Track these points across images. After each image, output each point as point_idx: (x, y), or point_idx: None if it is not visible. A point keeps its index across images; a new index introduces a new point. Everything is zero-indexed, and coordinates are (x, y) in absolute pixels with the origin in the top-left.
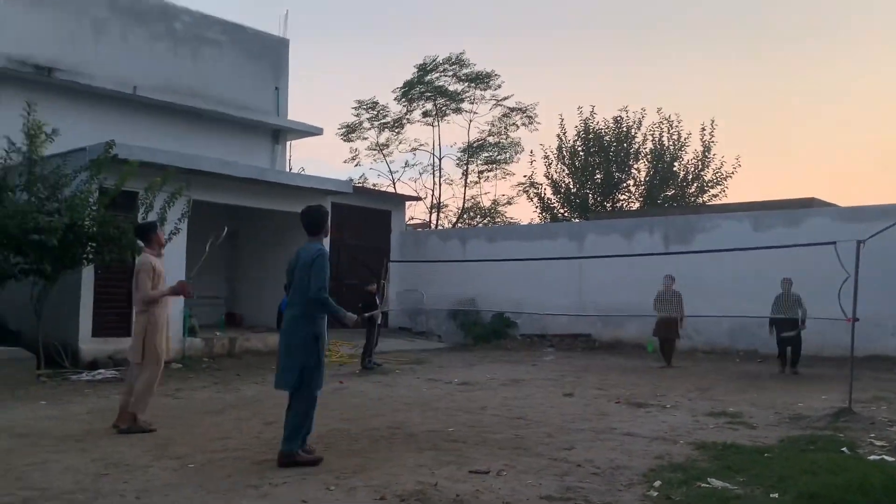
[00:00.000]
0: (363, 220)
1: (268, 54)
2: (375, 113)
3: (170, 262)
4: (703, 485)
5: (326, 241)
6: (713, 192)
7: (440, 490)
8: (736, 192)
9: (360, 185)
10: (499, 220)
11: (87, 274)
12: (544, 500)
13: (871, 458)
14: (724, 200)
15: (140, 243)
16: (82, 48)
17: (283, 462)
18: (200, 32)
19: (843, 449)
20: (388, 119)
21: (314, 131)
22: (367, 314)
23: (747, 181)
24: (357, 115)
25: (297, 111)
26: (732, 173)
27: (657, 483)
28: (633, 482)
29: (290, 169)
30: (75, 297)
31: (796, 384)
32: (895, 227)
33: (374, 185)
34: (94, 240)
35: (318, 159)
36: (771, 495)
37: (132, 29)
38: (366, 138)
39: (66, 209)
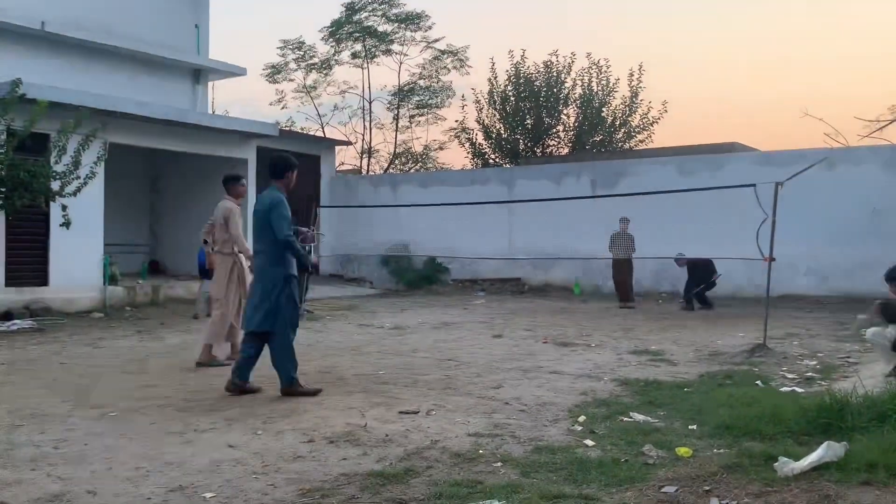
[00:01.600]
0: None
1: None
2: (302, 53)
3: (87, 207)
4: (625, 419)
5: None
6: (640, 137)
7: (369, 431)
8: (662, 137)
9: (287, 128)
10: (431, 165)
11: None
12: (472, 437)
13: (783, 389)
14: (651, 145)
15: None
16: None
17: (285, 394)
18: None
19: (758, 382)
20: (316, 60)
21: (237, 72)
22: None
23: (673, 126)
24: (283, 56)
25: (220, 51)
26: (659, 118)
27: (582, 418)
28: (559, 418)
29: (213, 111)
30: None
31: (715, 323)
32: (811, 171)
33: (301, 128)
34: (2, 185)
35: (243, 102)
36: (689, 427)
37: None
38: (292, 80)
39: None
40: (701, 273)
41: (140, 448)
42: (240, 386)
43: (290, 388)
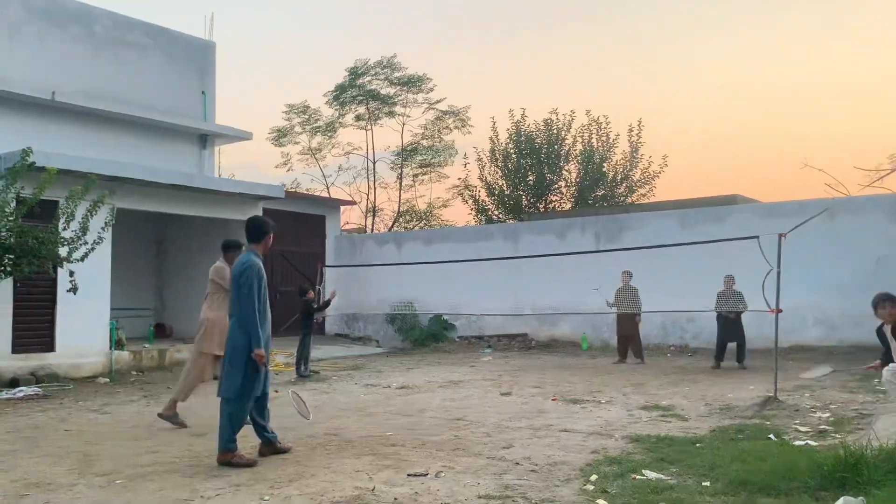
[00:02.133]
0: (297, 225)
1: (193, 58)
2: (307, 117)
3: (94, 272)
4: (637, 477)
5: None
6: (641, 191)
7: (378, 495)
8: (663, 190)
9: (292, 190)
10: (434, 223)
11: (5, 287)
12: (483, 499)
13: (797, 443)
14: (653, 199)
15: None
16: None
17: (220, 461)
18: (122, 35)
19: (770, 436)
20: (321, 123)
21: (243, 136)
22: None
23: (674, 180)
24: (288, 120)
25: (226, 116)
26: (660, 173)
27: (593, 477)
28: (571, 477)
29: (219, 175)
30: None
31: (725, 377)
32: (813, 222)
33: (307, 189)
34: (11, 251)
35: (249, 165)
36: (703, 484)
37: (49, 31)
38: (297, 143)
39: None
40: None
41: None
42: (269, 447)
43: (225, 455)
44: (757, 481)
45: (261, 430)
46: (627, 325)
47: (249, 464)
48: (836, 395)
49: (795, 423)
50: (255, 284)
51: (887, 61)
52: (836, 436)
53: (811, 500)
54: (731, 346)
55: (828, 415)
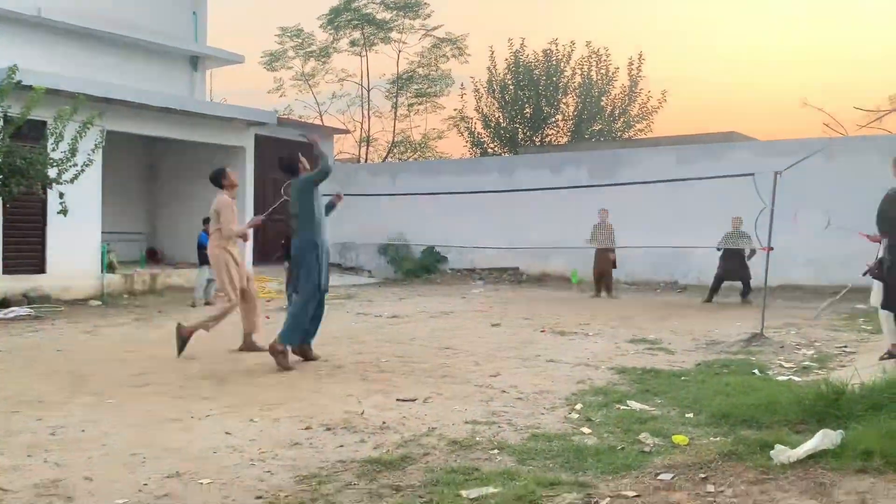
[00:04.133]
0: (289, 153)
1: None
2: (300, 41)
3: (84, 195)
4: (622, 407)
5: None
6: (639, 126)
7: (367, 418)
8: (661, 126)
9: (285, 116)
10: (429, 154)
11: None
12: (469, 424)
13: (780, 378)
14: (650, 135)
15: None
16: None
17: (270, 349)
18: None
19: (755, 371)
20: (314, 48)
21: (235, 59)
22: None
23: (672, 116)
24: (281, 44)
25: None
26: (658, 108)
27: (578, 406)
28: (556, 405)
29: (211, 99)
30: None
31: (714, 313)
32: (809, 161)
33: (300, 116)
34: None
35: (241, 90)
36: (686, 415)
37: None
38: (290, 67)
39: None
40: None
41: (137, 435)
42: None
43: (275, 349)
44: (739, 414)
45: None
46: (604, 262)
47: (286, 368)
48: (820, 333)
49: (780, 360)
50: (317, 193)
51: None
52: (819, 372)
53: (791, 433)
54: (726, 284)
55: (812, 352)
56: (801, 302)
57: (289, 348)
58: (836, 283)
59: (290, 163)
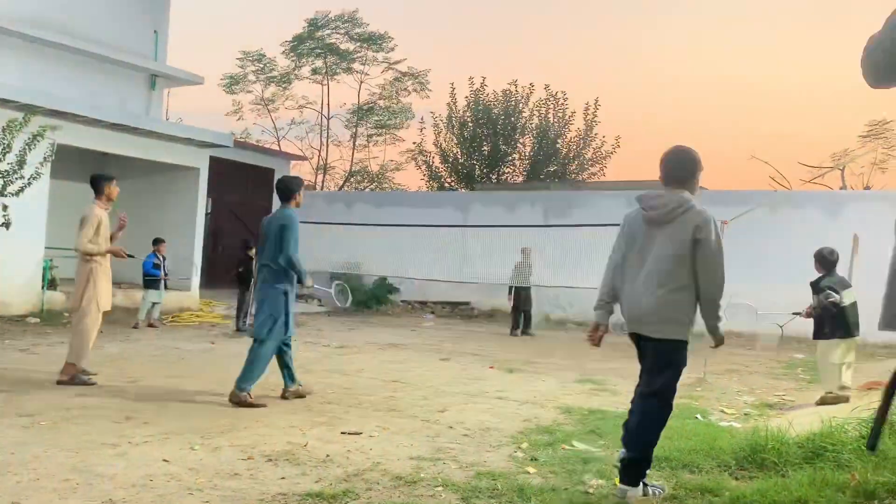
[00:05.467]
0: (245, 177)
1: None
2: (262, 66)
3: (29, 208)
4: (567, 447)
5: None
6: (593, 170)
7: (310, 450)
8: (614, 171)
9: (242, 140)
10: (386, 185)
11: None
12: (414, 460)
13: (722, 424)
14: (603, 178)
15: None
16: None
17: (233, 400)
18: None
19: (697, 416)
20: (275, 73)
21: (195, 80)
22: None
23: (626, 161)
24: (242, 67)
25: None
26: (612, 153)
27: (524, 445)
28: (502, 443)
29: (168, 118)
30: None
31: None
32: (755, 212)
33: (257, 140)
34: None
35: (199, 111)
36: None
37: None
38: (250, 92)
39: None
40: None
41: (70, 459)
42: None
43: (241, 395)
44: (681, 458)
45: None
46: (527, 299)
47: (259, 405)
48: (761, 381)
49: (722, 405)
50: (297, 233)
51: (833, 64)
52: (759, 418)
53: (731, 478)
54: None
55: (752, 399)
56: (743, 349)
57: (249, 392)
58: (775, 332)
59: (288, 185)
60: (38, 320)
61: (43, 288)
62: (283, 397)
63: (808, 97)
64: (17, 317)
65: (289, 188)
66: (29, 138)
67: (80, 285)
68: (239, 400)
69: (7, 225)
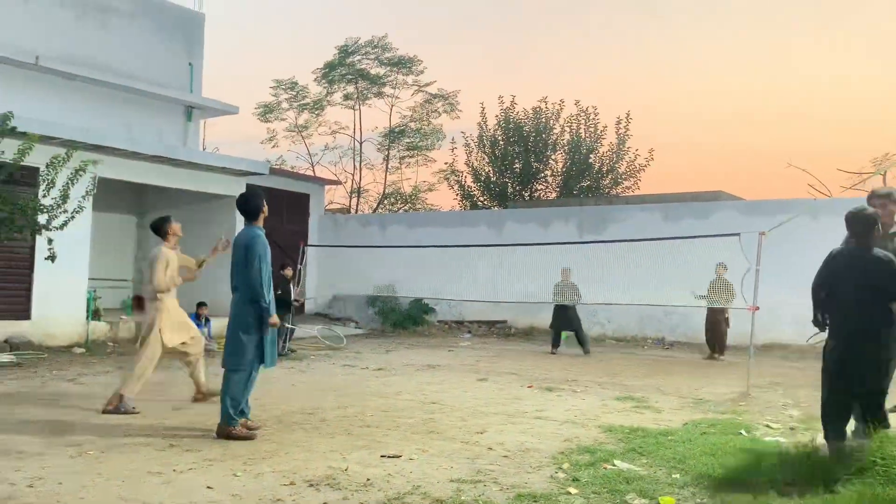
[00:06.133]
0: (281, 203)
1: (182, 28)
2: (295, 93)
3: (73, 241)
4: (609, 466)
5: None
6: (626, 183)
7: (350, 475)
8: (649, 184)
9: (277, 166)
10: (419, 206)
11: None
12: (454, 482)
13: (767, 439)
14: (637, 192)
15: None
16: None
17: (219, 433)
18: (109, 2)
19: (742, 431)
20: (308, 101)
21: (230, 110)
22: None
23: (660, 174)
24: (275, 95)
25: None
26: (645, 166)
27: (565, 465)
28: (542, 464)
29: (205, 148)
30: None
31: (700, 370)
32: (794, 220)
33: (292, 167)
34: None
35: (234, 140)
36: (673, 476)
37: None
38: (284, 119)
39: None
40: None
41: (117, 488)
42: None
43: (226, 429)
44: (725, 475)
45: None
46: (572, 319)
47: (248, 437)
48: (807, 393)
49: (767, 419)
50: (263, 255)
51: (873, 66)
52: (805, 433)
53: (777, 495)
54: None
55: (799, 412)
56: (788, 361)
57: (238, 425)
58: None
59: (249, 201)
60: (83, 350)
61: (87, 319)
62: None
63: (846, 103)
64: (63, 347)
65: (252, 206)
66: (71, 173)
67: (148, 323)
68: (226, 434)
69: (53, 258)
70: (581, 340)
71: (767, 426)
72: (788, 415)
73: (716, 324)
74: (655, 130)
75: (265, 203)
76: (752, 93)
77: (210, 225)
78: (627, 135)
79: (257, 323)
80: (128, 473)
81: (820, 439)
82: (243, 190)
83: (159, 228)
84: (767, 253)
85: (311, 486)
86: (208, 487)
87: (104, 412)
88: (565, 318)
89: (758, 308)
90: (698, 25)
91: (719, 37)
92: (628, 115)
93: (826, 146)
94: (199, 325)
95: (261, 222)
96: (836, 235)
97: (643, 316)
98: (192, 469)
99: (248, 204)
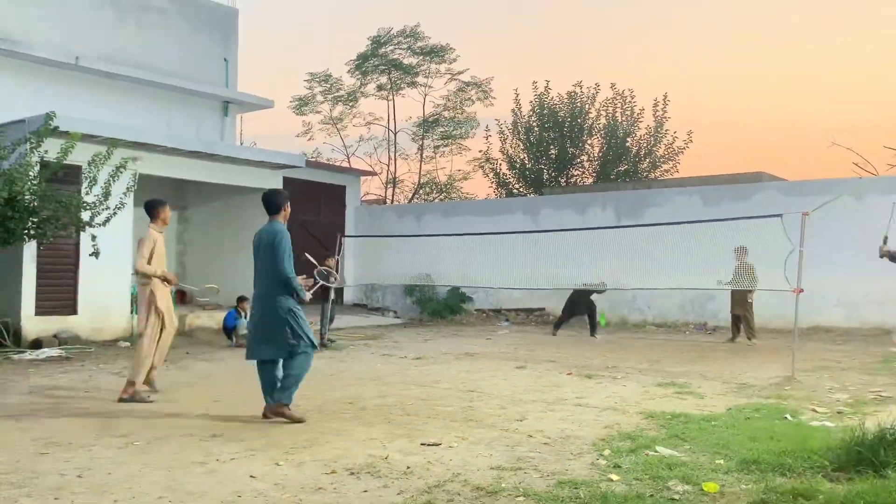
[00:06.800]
0: (317, 194)
1: (216, 24)
2: (329, 86)
3: (115, 237)
4: (650, 453)
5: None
6: (665, 167)
7: (391, 463)
8: (688, 166)
9: (313, 159)
10: (455, 195)
11: (30, 250)
12: (495, 470)
13: (813, 423)
14: (676, 175)
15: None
16: (20, 15)
17: (271, 411)
18: (145, 1)
19: (787, 416)
20: (342, 92)
21: (265, 104)
22: (318, 285)
23: (699, 155)
24: (310, 88)
25: (248, 83)
26: (684, 149)
27: (606, 452)
28: (583, 451)
29: (241, 143)
30: (17, 274)
31: (743, 355)
32: (838, 201)
33: (328, 159)
34: (35, 215)
35: (270, 133)
36: (716, 461)
37: None
38: (319, 112)
39: (5, 182)
40: None
41: (163, 478)
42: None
43: (280, 407)
44: (771, 461)
45: (272, 390)
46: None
47: (300, 420)
48: (855, 377)
49: (813, 404)
50: (288, 246)
51: None
52: (853, 417)
53: (825, 480)
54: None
55: (846, 396)
56: (834, 344)
57: (288, 405)
58: (871, 325)
59: (274, 199)
60: (128, 344)
61: (132, 313)
62: (265, 416)
63: (890, 78)
64: (110, 341)
65: (275, 202)
66: (112, 170)
67: (142, 308)
68: (280, 412)
69: (97, 254)
70: (592, 325)
71: (814, 410)
72: (836, 399)
73: (742, 309)
74: (694, 112)
75: (288, 203)
76: (793, 69)
77: (248, 217)
78: (665, 117)
79: (289, 312)
80: (173, 463)
81: (868, 423)
82: (279, 181)
83: (152, 209)
84: (811, 234)
85: (352, 474)
86: (251, 477)
87: (119, 401)
88: (580, 303)
89: (802, 290)
90: (734, 3)
91: (756, 11)
92: (665, 96)
93: (871, 121)
94: (237, 320)
95: (282, 219)
96: (880, 214)
97: (684, 301)
98: (235, 459)
99: (270, 200)
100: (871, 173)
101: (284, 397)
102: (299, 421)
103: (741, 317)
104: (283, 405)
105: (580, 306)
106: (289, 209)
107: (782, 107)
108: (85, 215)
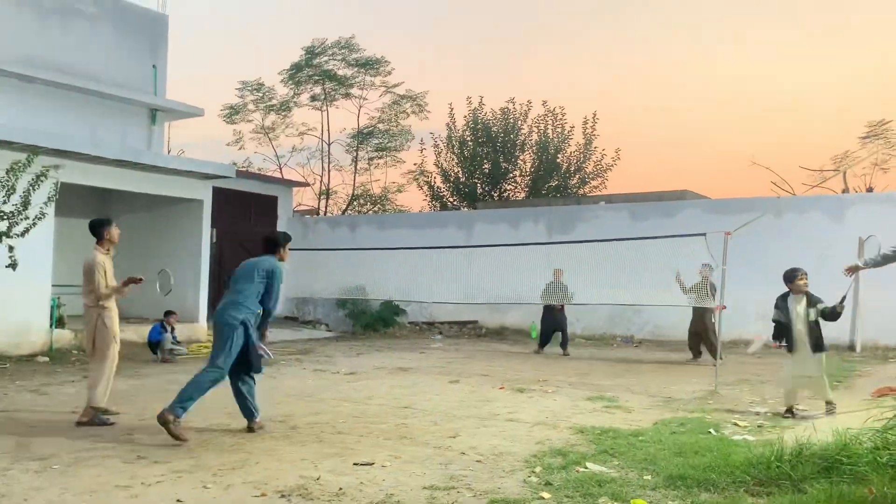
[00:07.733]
0: (248, 205)
1: (145, 29)
2: (261, 95)
3: (35, 249)
4: (581, 469)
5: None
6: (594, 183)
7: (322, 484)
8: (616, 183)
9: (244, 169)
10: (389, 207)
11: None
12: (427, 489)
13: (735, 437)
14: (605, 191)
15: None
16: None
17: (161, 418)
18: (69, 3)
19: (710, 430)
20: (275, 102)
21: (195, 112)
22: None
23: (627, 174)
24: (241, 97)
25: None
26: (612, 166)
27: (538, 469)
28: (515, 468)
29: (169, 151)
30: None
31: (668, 370)
32: (757, 220)
33: (259, 169)
34: None
35: (200, 142)
36: (644, 477)
37: None
38: (251, 121)
39: None
40: None
41: (84, 503)
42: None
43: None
44: (696, 476)
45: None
46: (560, 319)
47: (180, 438)
48: (773, 390)
49: (735, 418)
50: (281, 281)
51: (832, 66)
52: (773, 431)
53: (747, 495)
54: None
55: (766, 409)
56: (754, 358)
57: (181, 418)
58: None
59: (276, 238)
60: (47, 359)
61: (51, 327)
62: (250, 429)
63: (805, 101)
64: (27, 356)
65: (276, 241)
66: (32, 179)
67: (91, 331)
68: (162, 419)
69: (14, 266)
70: (564, 342)
71: (735, 424)
72: (755, 412)
73: (705, 330)
74: (622, 130)
75: (287, 245)
76: (715, 91)
77: (176, 228)
78: (594, 135)
79: (245, 335)
80: (95, 487)
81: (787, 437)
82: (209, 192)
83: (98, 228)
84: (732, 251)
85: (283, 496)
86: (178, 501)
87: (78, 424)
88: (554, 319)
89: (724, 307)
90: (661, 25)
91: (680, 36)
92: (594, 115)
93: (788, 141)
94: (162, 334)
95: (279, 257)
96: (798, 232)
97: (612, 315)
98: (161, 482)
99: (272, 241)
100: (788, 192)
101: (176, 408)
102: (178, 438)
103: (701, 336)
104: (170, 414)
105: (563, 321)
106: (286, 253)
107: (704, 127)
108: (2, 225)
